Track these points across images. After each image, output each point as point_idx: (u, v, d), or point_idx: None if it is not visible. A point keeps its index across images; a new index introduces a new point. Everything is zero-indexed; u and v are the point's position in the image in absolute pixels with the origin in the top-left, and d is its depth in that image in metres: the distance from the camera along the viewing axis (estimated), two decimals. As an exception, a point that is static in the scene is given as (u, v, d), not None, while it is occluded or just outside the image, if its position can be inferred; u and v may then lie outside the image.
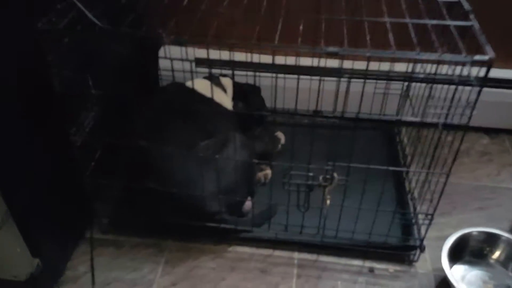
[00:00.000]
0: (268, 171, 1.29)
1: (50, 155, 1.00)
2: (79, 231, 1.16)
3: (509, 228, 1.18)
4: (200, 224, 1.09)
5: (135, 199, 1.15)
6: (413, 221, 1.14)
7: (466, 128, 0.88)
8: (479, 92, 0.82)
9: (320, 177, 0.97)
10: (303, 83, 1.38)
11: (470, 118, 0.86)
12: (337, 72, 0.82)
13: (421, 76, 1.16)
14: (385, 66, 1.32)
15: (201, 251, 1.13)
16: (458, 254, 1.08)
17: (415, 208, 1.18)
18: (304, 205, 1.02)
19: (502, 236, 1.08)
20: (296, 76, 1.37)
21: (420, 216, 1.09)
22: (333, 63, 1.06)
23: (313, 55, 1.02)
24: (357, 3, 0.98)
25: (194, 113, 1.18)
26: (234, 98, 1.35)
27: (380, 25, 0.85)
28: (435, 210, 1.00)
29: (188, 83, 1.28)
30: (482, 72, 0.79)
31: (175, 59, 0.90)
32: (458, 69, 0.90)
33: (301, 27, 0.84)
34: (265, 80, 1.37)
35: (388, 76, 1.33)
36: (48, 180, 1.00)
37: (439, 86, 1.01)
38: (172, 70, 0.90)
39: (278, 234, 1.12)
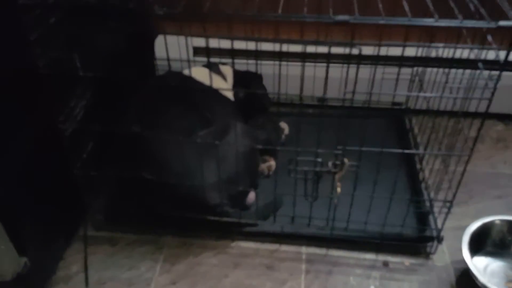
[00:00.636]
0: (272, 163, 1.22)
1: (39, 146, 0.93)
2: (72, 228, 1.09)
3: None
4: (201, 218, 1.02)
5: (130, 192, 1.08)
6: (429, 210, 1.06)
7: (485, 115, 0.82)
8: (499, 76, 0.75)
9: (330, 163, 0.89)
10: (308, 70, 1.33)
11: (489, 103, 0.79)
12: (348, 44, 0.75)
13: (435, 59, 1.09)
14: (395, 51, 1.25)
15: (202, 247, 1.06)
16: (479, 244, 1.00)
17: (430, 197, 1.10)
18: (312, 194, 0.94)
19: (526, 225, 1.00)
20: (300, 61, 1.33)
21: (437, 205, 1.02)
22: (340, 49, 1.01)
23: (319, 29, 0.94)
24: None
25: (192, 101, 1.12)
26: (235, 87, 1.28)
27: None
28: (454, 196, 0.93)
29: (186, 71, 1.21)
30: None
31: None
32: (473, 54, 0.84)
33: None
34: (267, 68, 1.30)
35: (400, 60, 1.25)
36: (36, 173, 0.93)
37: (453, 71, 0.94)
38: (168, 59, 0.83)
39: (284, 227, 1.05)
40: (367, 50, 0.84)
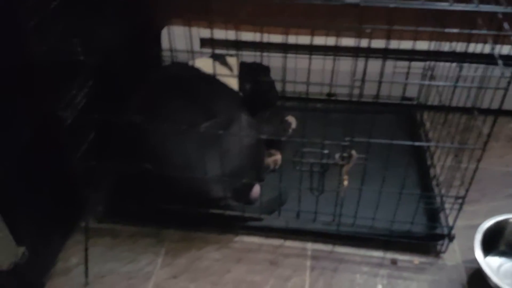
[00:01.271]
0: (278, 157, 1.19)
1: (38, 135, 0.91)
2: (72, 220, 1.07)
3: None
4: (203, 211, 0.99)
5: (132, 184, 1.05)
6: (440, 207, 1.02)
7: (498, 112, 0.79)
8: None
9: (337, 155, 0.86)
10: (316, 63, 1.30)
11: (505, 93, 0.75)
12: (356, 28, 0.72)
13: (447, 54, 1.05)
14: (407, 45, 1.22)
15: (204, 241, 1.04)
16: (491, 244, 0.96)
17: (441, 193, 1.06)
18: (318, 188, 0.91)
19: (542, 224, 0.96)
20: (308, 53, 1.29)
21: (448, 202, 0.98)
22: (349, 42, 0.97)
23: (328, 14, 0.91)
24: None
25: (196, 92, 1.09)
26: (241, 79, 1.25)
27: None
28: (466, 192, 0.89)
29: (191, 62, 1.19)
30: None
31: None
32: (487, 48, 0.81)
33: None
34: (274, 60, 1.27)
35: (411, 54, 1.22)
36: (35, 162, 0.91)
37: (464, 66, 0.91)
38: (171, 50, 0.81)
39: (289, 222, 1.02)
40: (377, 43, 0.81)
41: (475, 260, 0.92)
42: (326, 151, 0.85)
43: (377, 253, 1.01)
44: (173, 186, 0.98)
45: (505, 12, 0.69)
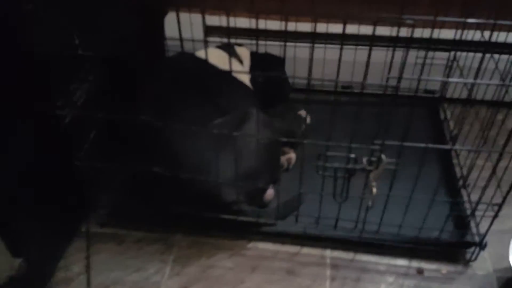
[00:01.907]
0: (292, 155, 1.12)
1: (38, 137, 0.83)
2: (73, 225, 1.00)
3: None
4: (215, 216, 0.93)
5: (138, 186, 0.99)
6: (471, 213, 0.95)
7: None
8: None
9: (364, 160, 0.78)
10: (331, 52, 1.21)
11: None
12: (396, 20, 0.63)
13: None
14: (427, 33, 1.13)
15: (215, 247, 0.97)
16: (527, 252, 0.89)
17: (470, 198, 0.99)
18: (341, 194, 0.83)
19: None
20: (323, 43, 1.21)
21: (481, 207, 0.90)
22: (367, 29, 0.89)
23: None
24: None
25: (206, 87, 1.01)
26: (252, 71, 1.17)
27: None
28: (505, 199, 0.82)
29: (198, 53, 1.10)
30: None
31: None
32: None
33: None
34: (300, 51, 1.19)
35: (434, 44, 1.13)
36: (32, 164, 0.83)
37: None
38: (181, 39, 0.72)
39: (307, 229, 0.95)
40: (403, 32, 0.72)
41: (508, 269, 0.86)
42: (352, 155, 0.77)
43: (402, 262, 0.94)
44: (183, 190, 0.91)
45: None
